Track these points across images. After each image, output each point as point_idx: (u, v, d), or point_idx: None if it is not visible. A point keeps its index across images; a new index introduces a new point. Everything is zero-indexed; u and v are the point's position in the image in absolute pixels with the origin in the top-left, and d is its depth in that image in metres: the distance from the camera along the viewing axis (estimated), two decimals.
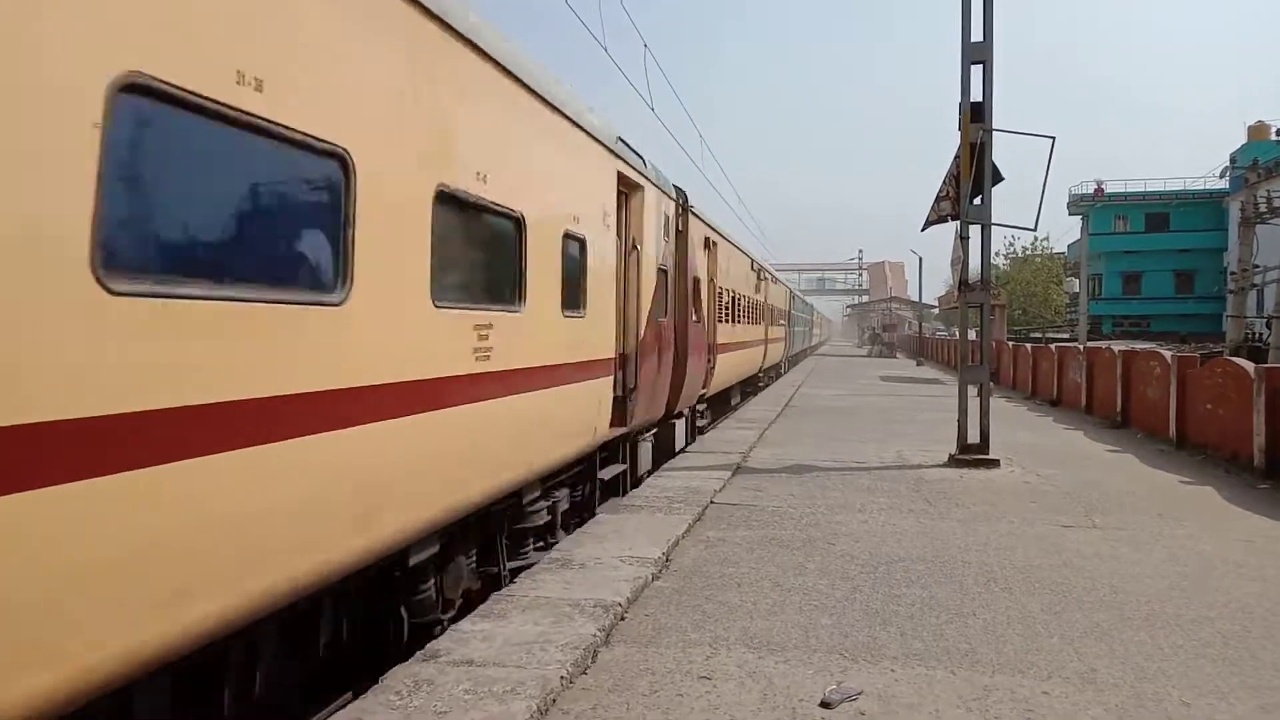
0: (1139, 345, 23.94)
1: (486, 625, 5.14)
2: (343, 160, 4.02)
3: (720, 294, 16.48)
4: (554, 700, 4.24)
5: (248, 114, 3.37)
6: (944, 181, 12.69)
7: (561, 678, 4.42)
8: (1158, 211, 60.94)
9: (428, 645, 4.86)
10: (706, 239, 14.81)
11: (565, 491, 8.12)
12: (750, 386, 24.65)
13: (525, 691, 4.18)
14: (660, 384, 11.02)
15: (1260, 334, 28.46)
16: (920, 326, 58.82)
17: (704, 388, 14.95)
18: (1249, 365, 12.58)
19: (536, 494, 7.26)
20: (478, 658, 4.62)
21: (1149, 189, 61.69)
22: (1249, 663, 4.88)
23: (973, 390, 12.15)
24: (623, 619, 5.49)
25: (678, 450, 12.72)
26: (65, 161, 2.67)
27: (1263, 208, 26.23)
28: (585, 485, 8.96)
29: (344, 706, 4.30)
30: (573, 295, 7.42)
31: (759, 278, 23.94)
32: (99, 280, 2.75)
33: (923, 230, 13.41)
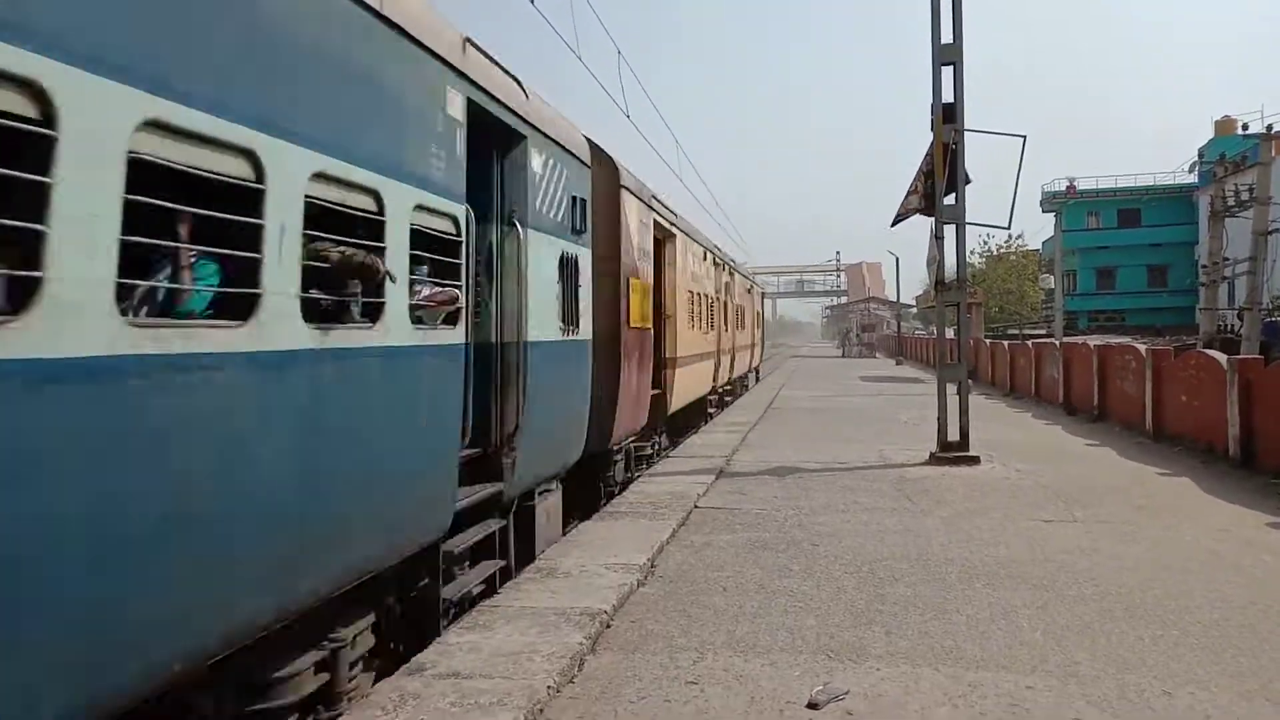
0: (1114, 339, 24.19)
1: (473, 637, 5.12)
2: None
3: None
4: (541, 710, 4.23)
5: None
6: (914, 178, 12.79)
7: (548, 687, 4.40)
8: (1129, 207, 61.65)
9: (414, 659, 4.83)
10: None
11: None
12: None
13: (512, 702, 4.17)
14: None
15: (1232, 326, 28.83)
16: (899, 326, 59.11)
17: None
18: (1222, 357, 12.76)
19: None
20: (464, 670, 4.59)
21: (1120, 185, 62.45)
22: (1229, 651, 4.94)
23: (952, 388, 12.23)
24: (609, 626, 5.49)
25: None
26: None
27: (1231, 201, 26.57)
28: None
29: None
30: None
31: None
32: None
33: (892, 225, 13.49)
